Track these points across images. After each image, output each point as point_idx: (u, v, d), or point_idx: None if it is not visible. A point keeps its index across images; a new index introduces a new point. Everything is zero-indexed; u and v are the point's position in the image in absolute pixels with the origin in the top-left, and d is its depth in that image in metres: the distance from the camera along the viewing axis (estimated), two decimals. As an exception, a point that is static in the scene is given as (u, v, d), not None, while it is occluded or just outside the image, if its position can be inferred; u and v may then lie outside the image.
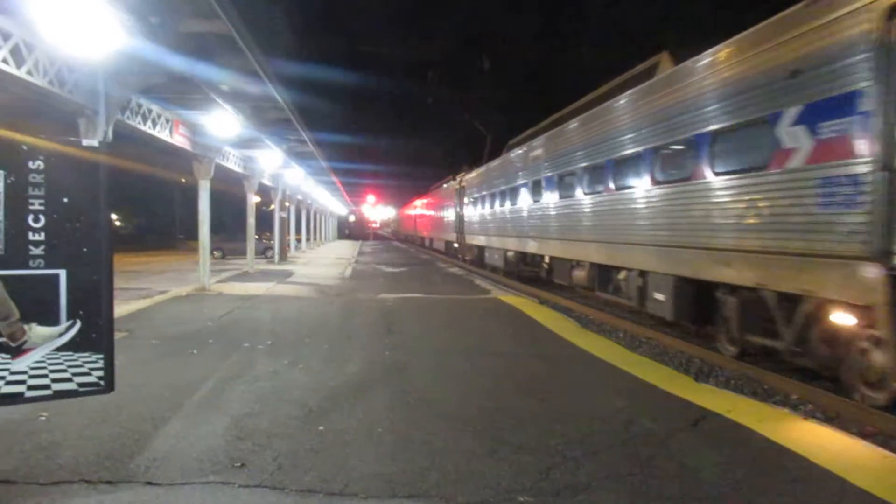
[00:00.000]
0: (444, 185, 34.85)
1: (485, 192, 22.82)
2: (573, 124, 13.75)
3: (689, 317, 9.52)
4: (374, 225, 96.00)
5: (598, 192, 12.07)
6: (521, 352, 8.35)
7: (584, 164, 12.77)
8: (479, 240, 24.13)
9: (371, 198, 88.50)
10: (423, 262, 30.29)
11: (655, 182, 9.89)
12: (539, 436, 4.88)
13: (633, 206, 10.65)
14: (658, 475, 4.14)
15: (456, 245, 29.84)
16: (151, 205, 65.62)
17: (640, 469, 4.25)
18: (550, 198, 14.98)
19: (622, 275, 11.44)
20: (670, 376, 7.14)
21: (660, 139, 9.77)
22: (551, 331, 9.86)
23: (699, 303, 9.07)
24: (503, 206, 19.86)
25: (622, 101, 11.31)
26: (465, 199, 26.72)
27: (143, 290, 15.32)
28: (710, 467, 4.30)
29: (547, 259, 16.61)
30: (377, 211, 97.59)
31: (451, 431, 4.95)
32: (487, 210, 22.31)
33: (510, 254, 19.76)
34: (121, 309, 11.30)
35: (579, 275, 13.60)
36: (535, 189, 16.26)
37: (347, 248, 45.67)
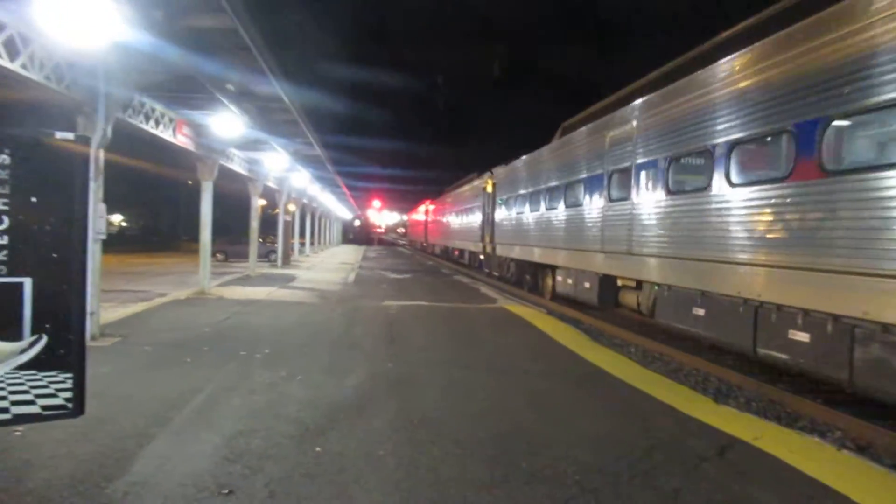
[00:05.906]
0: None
1: None
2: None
3: None
4: (379, 230, 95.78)
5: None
6: (531, 367, 7.96)
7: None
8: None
9: (377, 202, 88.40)
10: (427, 268, 29.93)
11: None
12: (554, 463, 4.50)
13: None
14: (687, 514, 3.77)
15: None
16: (157, 206, 65.57)
17: (668, 506, 3.86)
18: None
19: None
20: (689, 397, 6.76)
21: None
22: (562, 344, 9.47)
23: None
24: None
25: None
26: None
27: (141, 293, 15.03)
28: (744, 505, 3.92)
29: None
30: (382, 216, 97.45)
31: (459, 457, 4.58)
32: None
33: None
34: (117, 312, 10.99)
35: None
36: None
37: (352, 253, 45.31)
